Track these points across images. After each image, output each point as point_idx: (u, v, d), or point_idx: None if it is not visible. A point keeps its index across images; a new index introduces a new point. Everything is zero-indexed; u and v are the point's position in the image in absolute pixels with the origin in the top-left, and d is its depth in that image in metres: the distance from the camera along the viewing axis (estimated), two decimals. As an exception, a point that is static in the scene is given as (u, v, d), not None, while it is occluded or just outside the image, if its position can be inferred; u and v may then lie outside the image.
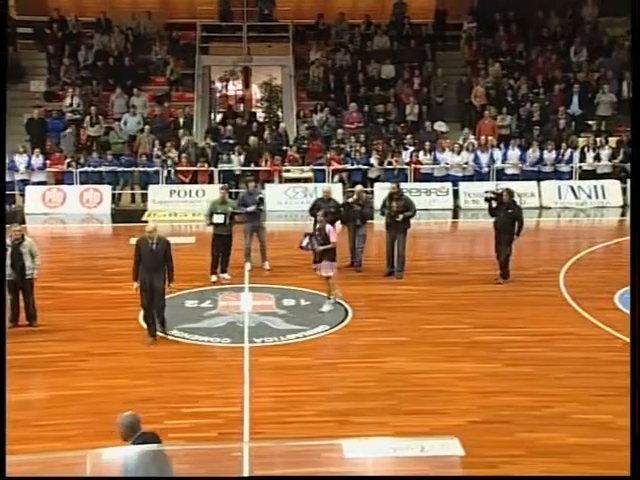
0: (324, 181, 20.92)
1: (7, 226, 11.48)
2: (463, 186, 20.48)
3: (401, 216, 13.35)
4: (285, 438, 7.76)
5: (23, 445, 7.36)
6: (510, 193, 13.33)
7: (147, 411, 8.69)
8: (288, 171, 21.21)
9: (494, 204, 13.34)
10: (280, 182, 21.12)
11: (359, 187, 14.91)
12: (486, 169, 20.84)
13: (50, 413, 8.57)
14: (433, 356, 10.34)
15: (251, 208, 13.82)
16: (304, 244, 12.41)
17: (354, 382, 9.50)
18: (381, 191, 20.57)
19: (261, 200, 14.24)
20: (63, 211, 19.96)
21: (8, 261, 10.97)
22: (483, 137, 21.43)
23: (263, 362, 10.17)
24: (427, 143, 21.26)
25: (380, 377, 9.64)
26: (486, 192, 13.89)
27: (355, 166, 21.10)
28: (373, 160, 21.04)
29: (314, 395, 9.16)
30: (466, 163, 20.92)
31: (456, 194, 20.23)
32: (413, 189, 20.66)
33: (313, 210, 13.84)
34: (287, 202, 20.16)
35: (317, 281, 12.78)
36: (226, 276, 13.63)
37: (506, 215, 13.15)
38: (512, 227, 13.12)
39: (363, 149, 21.24)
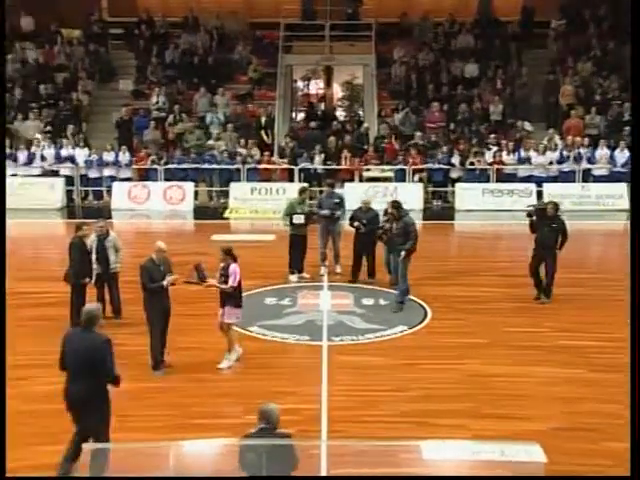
0: (404, 181, 20.86)
1: (93, 221, 11.85)
2: (547, 187, 20.06)
3: (403, 253, 11.93)
4: (362, 437, 7.76)
5: (112, 434, 7.54)
6: (556, 206, 12.34)
7: (227, 406, 8.89)
8: (368, 170, 21.20)
9: (535, 219, 12.38)
10: (360, 181, 21.13)
11: (367, 199, 13.92)
12: (571, 170, 20.37)
13: (135, 405, 8.76)
14: (513, 359, 10.16)
15: (325, 212, 13.74)
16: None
17: (433, 383, 9.41)
18: (462, 191, 20.44)
19: (338, 205, 13.79)
20: (147, 207, 20.49)
21: (94, 255, 11.33)
22: (569, 137, 20.94)
23: (341, 361, 10.17)
24: (511, 143, 20.93)
25: (459, 379, 9.53)
26: (528, 206, 13.02)
27: (436, 166, 20.94)
28: (455, 160, 20.83)
29: (392, 395, 9.12)
30: (550, 163, 20.48)
31: (540, 195, 19.83)
32: (495, 190, 20.40)
33: (352, 221, 13.37)
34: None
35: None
36: (305, 275, 13.70)
37: (550, 230, 12.14)
38: (556, 243, 12.13)
39: (445, 149, 21.05)
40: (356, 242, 13.37)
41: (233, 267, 9.69)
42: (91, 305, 7.62)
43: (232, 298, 9.76)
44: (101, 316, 7.41)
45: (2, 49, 21.25)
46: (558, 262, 12.20)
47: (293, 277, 13.61)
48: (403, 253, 11.84)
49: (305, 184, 20.47)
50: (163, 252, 9.80)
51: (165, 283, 9.57)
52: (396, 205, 12.10)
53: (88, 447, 5.37)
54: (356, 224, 13.14)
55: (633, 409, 6.23)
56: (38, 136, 21.69)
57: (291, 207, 13.70)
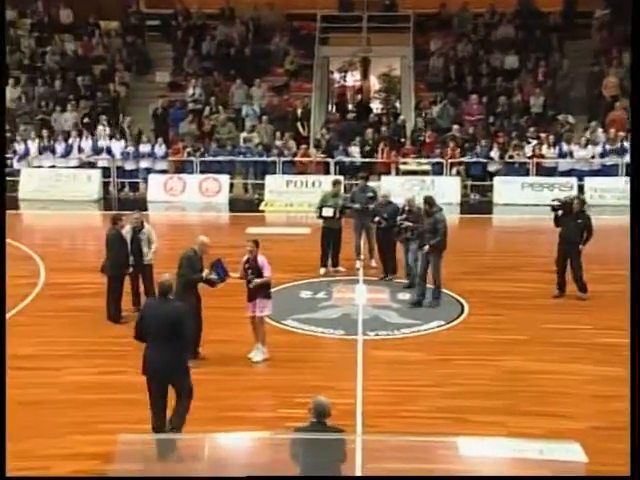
0: (441, 174, 20.73)
1: (128, 213, 11.95)
2: (589, 181, 19.79)
3: (426, 247, 11.73)
4: (399, 433, 7.74)
5: (142, 425, 7.63)
6: (582, 202, 12.31)
7: (261, 399, 8.93)
8: (405, 163, 21.09)
9: (560, 213, 12.26)
10: (397, 174, 21.04)
11: (385, 193, 13.55)
12: (614, 163, 20.06)
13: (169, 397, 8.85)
14: (553, 356, 10.05)
15: (357, 205, 13.63)
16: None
17: (470, 379, 9.36)
18: (501, 185, 20.24)
19: (371, 198, 13.72)
20: (183, 199, 20.62)
21: (129, 248, 11.43)
22: (612, 130, 20.60)
23: (377, 355, 10.16)
24: (551, 136, 20.67)
25: (497, 376, 9.46)
26: (553, 200, 12.79)
27: (474, 159, 20.77)
28: (494, 153, 20.64)
29: (428, 391, 9.08)
30: (592, 157, 20.19)
31: (581, 189, 19.57)
32: (535, 183, 20.16)
33: (372, 216, 13.21)
34: (403, 195, 20.01)
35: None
36: (340, 269, 13.66)
37: (576, 226, 12.05)
38: (580, 238, 12.10)
39: (483, 142, 20.87)
40: (377, 237, 13.30)
41: (262, 259, 9.76)
42: (164, 276, 8.02)
43: (263, 290, 9.79)
44: (172, 286, 7.95)
45: (2, 49, 21.44)
46: (595, 258, 12.09)
47: (321, 270, 13.59)
48: (426, 247, 11.66)
49: (340, 177, 20.55)
50: (205, 246, 9.92)
51: (204, 275, 9.64)
52: (429, 201, 11.94)
53: (122, 438, 5.45)
54: (376, 219, 12.95)
55: (633, 409, 6.27)
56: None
57: (323, 200, 13.72)
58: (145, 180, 21.23)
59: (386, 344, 10.59)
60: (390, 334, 10.93)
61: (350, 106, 24.99)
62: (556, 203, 12.48)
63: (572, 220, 12.11)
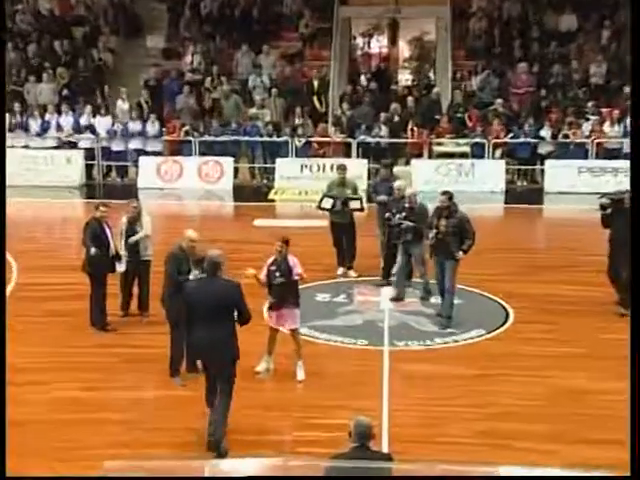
0: (483, 157, 20.71)
1: (124, 202, 12.01)
2: (659, 165, 19.66)
3: (460, 254, 11.35)
4: (431, 460, 7.74)
5: (134, 449, 7.69)
6: None
7: (270, 420, 8.95)
8: (440, 144, 21.10)
9: (609, 211, 11.95)
10: (430, 157, 21.05)
11: (398, 184, 12.97)
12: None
13: (164, 416, 8.92)
14: (616, 373, 9.95)
15: (381, 198, 13.51)
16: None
17: (516, 399, 9.35)
18: (554, 169, 20.18)
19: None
20: (180, 186, 20.76)
21: (122, 242, 11.49)
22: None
23: (406, 369, 10.19)
24: (615, 112, 20.56)
25: (549, 395, 9.44)
26: (601, 196, 12.45)
27: (522, 139, 20.72)
28: (545, 132, 20.59)
29: (466, 412, 9.09)
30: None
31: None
32: (595, 168, 20.08)
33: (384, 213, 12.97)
34: (438, 181, 20.01)
35: (471, 275, 12.64)
36: (351, 273, 13.62)
37: (627, 225, 11.77)
38: None
39: (532, 119, 20.81)
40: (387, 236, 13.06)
41: (293, 258, 9.78)
42: (213, 252, 8.35)
43: (292, 295, 9.79)
44: (224, 262, 8.31)
45: (2, 50, 21.60)
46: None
47: (339, 270, 13.65)
48: (460, 254, 11.36)
49: (363, 160, 20.55)
50: (193, 242, 9.88)
51: (193, 276, 9.61)
52: (450, 195, 11.66)
53: (108, 465, 5.49)
54: (387, 215, 12.67)
55: (633, 409, 6.45)
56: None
57: (328, 188, 13.76)
58: (135, 163, 21.36)
59: (417, 356, 10.60)
60: (422, 344, 10.95)
61: (375, 77, 24.93)
62: (605, 200, 12.20)
63: (623, 219, 11.41)
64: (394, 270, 12.72)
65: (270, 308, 9.91)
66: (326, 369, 10.25)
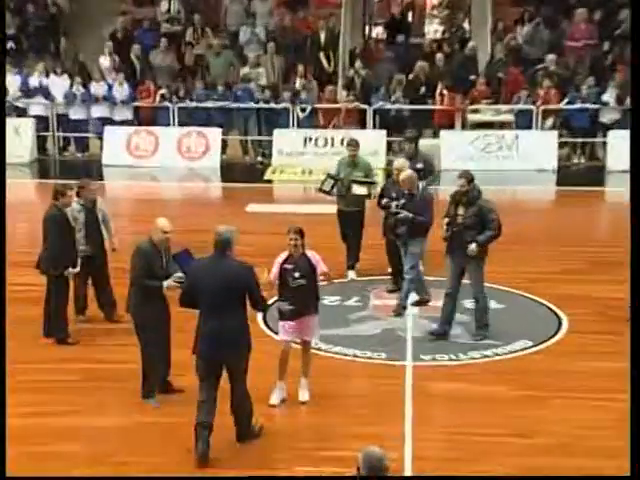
0: (530, 127, 20.69)
1: (75, 182, 11.98)
2: None
3: (473, 246, 11.15)
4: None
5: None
6: None
7: (268, 451, 8.97)
8: (476, 112, 21.08)
9: None
10: (464, 128, 21.04)
11: (399, 162, 12.93)
12: None
13: (137, 447, 8.92)
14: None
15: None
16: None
17: (573, 427, 9.34)
18: (619, 142, 20.13)
19: (421, 170, 13.37)
20: (155, 163, 20.80)
21: (82, 232, 11.52)
22: None
23: (434, 389, 10.19)
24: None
25: (613, 422, 9.37)
26: None
27: (579, 105, 20.68)
28: (608, 97, 20.54)
29: (509, 442, 9.08)
30: None
31: None
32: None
33: (380, 198, 12.98)
34: (474, 157, 20.06)
35: (515, 274, 12.63)
36: (351, 274, 13.66)
37: None
38: None
39: (593, 79, 20.77)
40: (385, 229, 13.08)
41: (312, 254, 9.70)
42: (222, 227, 8.61)
43: (313, 299, 9.76)
44: (236, 239, 8.63)
45: (3, 50, 21.64)
46: None
47: (351, 273, 13.72)
48: (473, 246, 11.17)
49: (381, 132, 20.57)
50: (166, 234, 9.68)
51: (167, 284, 9.53)
52: (469, 178, 11.43)
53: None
54: (384, 201, 12.61)
55: (633, 408, 6.87)
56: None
57: (337, 169, 13.82)
58: (99, 135, 21.37)
59: (448, 373, 10.62)
60: (453, 359, 10.97)
61: (396, 28, 24.89)
62: None
63: None
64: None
65: (284, 317, 9.68)
66: (335, 389, 10.25)
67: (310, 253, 9.76)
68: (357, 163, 13.73)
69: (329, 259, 13.52)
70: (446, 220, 11.40)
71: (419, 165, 13.54)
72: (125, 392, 9.95)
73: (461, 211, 11.37)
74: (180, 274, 9.42)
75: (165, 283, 9.52)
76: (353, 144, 13.93)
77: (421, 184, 12.71)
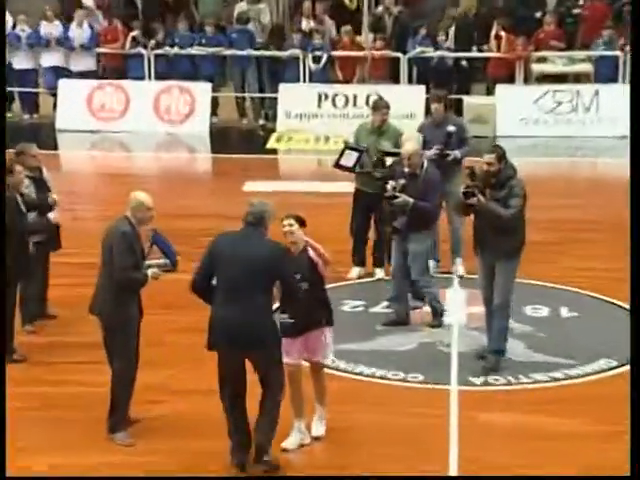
0: (615, 81, 20.70)
1: (12, 151, 12.04)
2: None
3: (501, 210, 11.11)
4: None
5: None
6: None
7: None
8: (543, 61, 21.09)
9: None
10: (526, 82, 21.06)
11: (410, 145, 12.72)
12: None
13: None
14: None
15: (431, 152, 13.41)
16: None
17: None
18: None
19: (452, 139, 13.71)
20: (125, 127, 20.89)
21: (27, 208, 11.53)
22: None
23: (485, 421, 10.25)
24: None
25: None
26: None
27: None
28: None
29: (582, 489, 9.16)
30: None
31: None
32: None
33: (386, 178, 12.91)
34: (539, 120, 20.08)
35: (587, 270, 12.70)
36: (377, 271, 13.91)
37: None
38: None
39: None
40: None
41: (312, 254, 9.62)
42: (262, 201, 9.07)
43: (323, 307, 9.78)
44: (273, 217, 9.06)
45: (3, 50, 21.79)
46: None
47: (355, 271, 13.99)
48: (501, 210, 10.98)
49: (417, 88, 20.63)
50: (150, 211, 9.72)
51: (152, 273, 9.68)
52: (500, 153, 11.30)
53: None
54: (390, 185, 12.42)
55: (633, 408, 7.39)
56: None
57: (356, 137, 13.91)
58: (52, 91, 21.46)
59: (504, 400, 10.69)
60: (513, 382, 11.02)
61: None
62: None
63: None
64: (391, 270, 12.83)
65: (287, 333, 9.54)
66: (360, 419, 10.27)
67: (313, 253, 9.64)
68: (384, 130, 13.71)
69: (346, 247, 13.71)
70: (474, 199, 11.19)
71: (450, 128, 13.68)
72: (87, 423, 10.01)
73: (488, 191, 11.29)
74: (164, 260, 9.73)
75: (149, 272, 9.65)
76: (382, 105, 13.92)
77: (456, 152, 13.16)
